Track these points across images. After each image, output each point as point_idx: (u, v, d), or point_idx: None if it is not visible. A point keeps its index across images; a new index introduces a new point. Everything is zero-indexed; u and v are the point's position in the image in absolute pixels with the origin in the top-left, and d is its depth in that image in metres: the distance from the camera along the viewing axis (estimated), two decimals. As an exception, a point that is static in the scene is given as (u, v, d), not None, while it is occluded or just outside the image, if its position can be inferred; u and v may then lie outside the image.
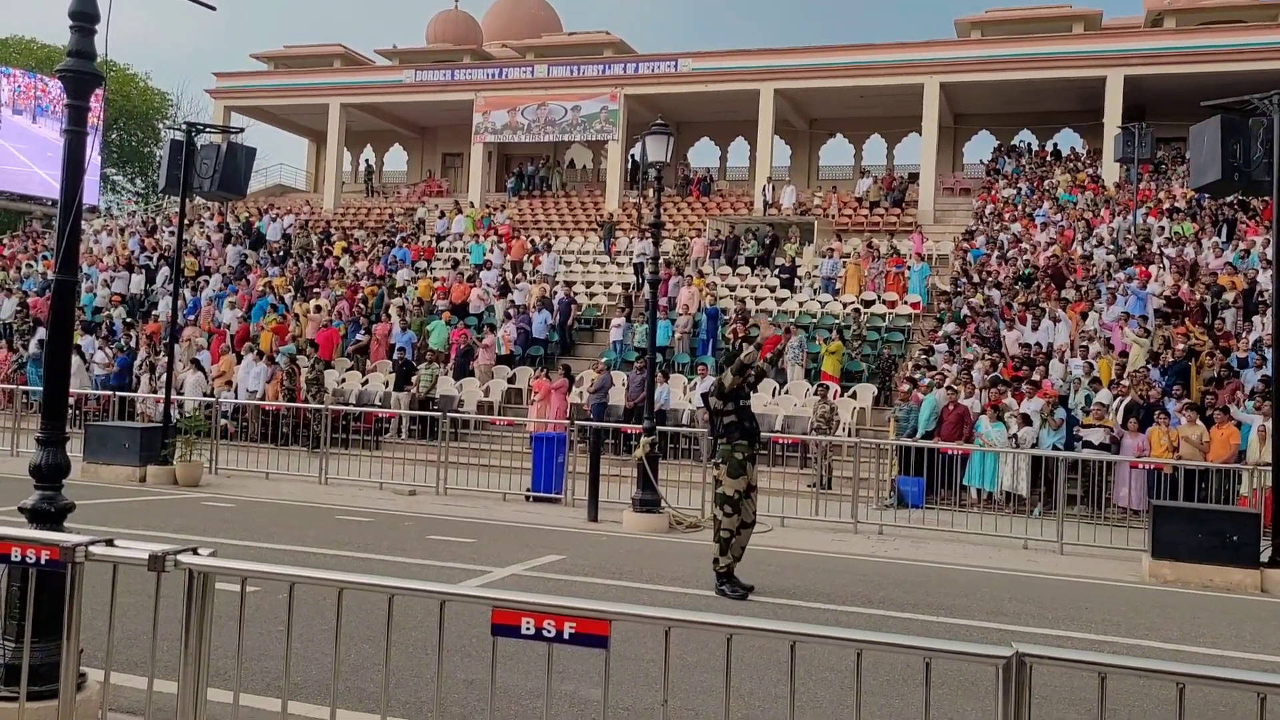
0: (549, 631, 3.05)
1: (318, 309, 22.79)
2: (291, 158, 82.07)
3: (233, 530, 10.38)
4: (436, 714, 3.32)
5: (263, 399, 18.62)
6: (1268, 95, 10.40)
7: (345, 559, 8.97)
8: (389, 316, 22.43)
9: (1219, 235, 22.41)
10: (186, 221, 28.67)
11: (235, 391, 19.36)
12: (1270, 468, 10.58)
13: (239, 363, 20.11)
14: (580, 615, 3.02)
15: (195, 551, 3.60)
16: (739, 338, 19.45)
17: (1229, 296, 18.39)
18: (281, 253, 28.90)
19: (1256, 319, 17.21)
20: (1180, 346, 16.42)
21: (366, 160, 41.97)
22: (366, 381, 20.60)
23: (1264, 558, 9.84)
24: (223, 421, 16.59)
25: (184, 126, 14.68)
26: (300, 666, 5.60)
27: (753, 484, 8.41)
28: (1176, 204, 25.18)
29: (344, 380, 20.56)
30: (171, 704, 3.68)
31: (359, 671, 5.60)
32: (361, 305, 23.65)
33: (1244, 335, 17.07)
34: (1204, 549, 9.85)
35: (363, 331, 22.31)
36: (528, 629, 3.08)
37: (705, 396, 8.78)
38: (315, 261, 27.69)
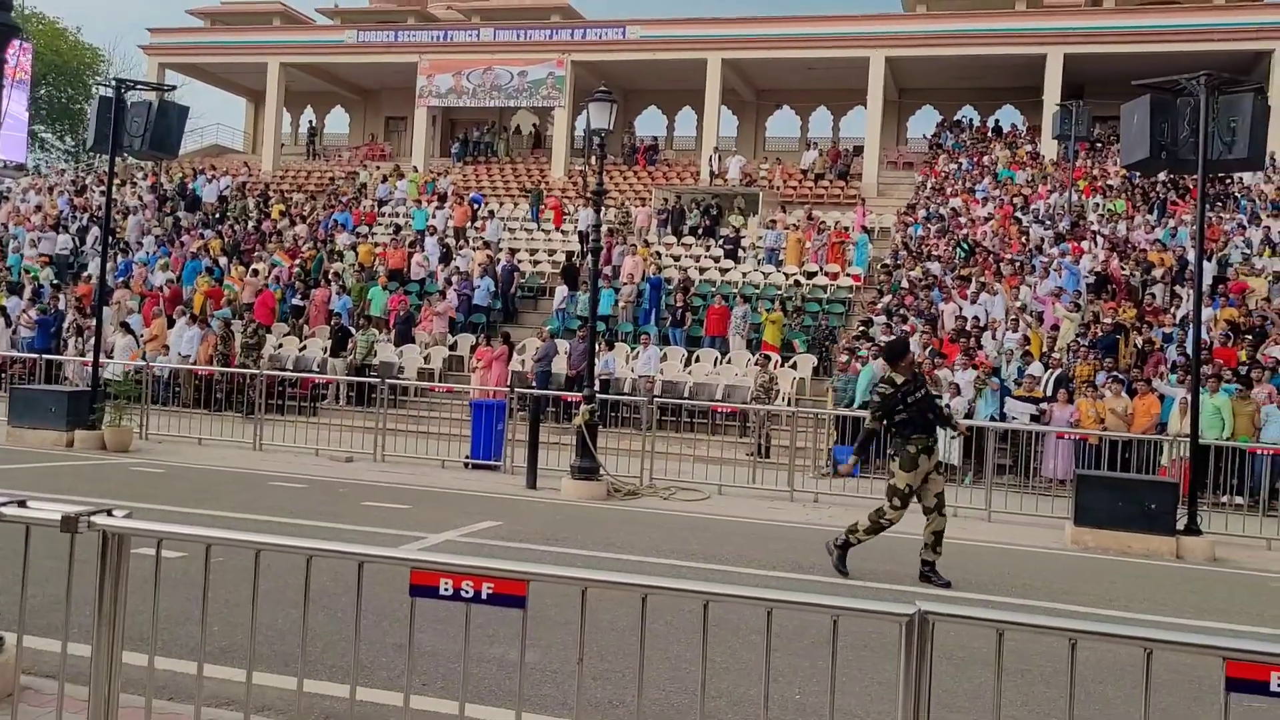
0: (467, 592, 3.07)
1: (254, 273, 22.40)
2: (229, 118, 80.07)
3: (161, 495, 10.23)
4: (354, 675, 3.33)
5: (195, 364, 18.31)
6: (1195, 76, 10.63)
7: (276, 524, 8.89)
8: (328, 281, 22.13)
9: (1150, 213, 22.93)
10: (119, 182, 27.86)
11: (169, 355, 19.00)
12: (1188, 439, 10.94)
13: (170, 327, 19.73)
14: (498, 576, 3.05)
15: (110, 513, 3.55)
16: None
17: (1157, 273, 18.86)
18: (218, 215, 28.31)
19: (1183, 294, 17.68)
20: (1108, 321, 16.82)
21: (309, 121, 41.16)
22: (304, 347, 20.35)
23: (1180, 525, 10.19)
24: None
25: (113, 83, 14.30)
26: (226, 632, 5.57)
27: (929, 472, 8.06)
28: (1110, 181, 25.68)
29: (281, 345, 20.29)
30: (89, 668, 3.64)
31: (285, 636, 5.57)
32: (300, 269, 23.29)
33: (1171, 310, 17.54)
34: (1124, 517, 10.17)
35: (300, 296, 21.99)
36: (446, 590, 3.10)
37: (873, 390, 8.54)
38: (252, 224, 27.17)
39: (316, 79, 37.76)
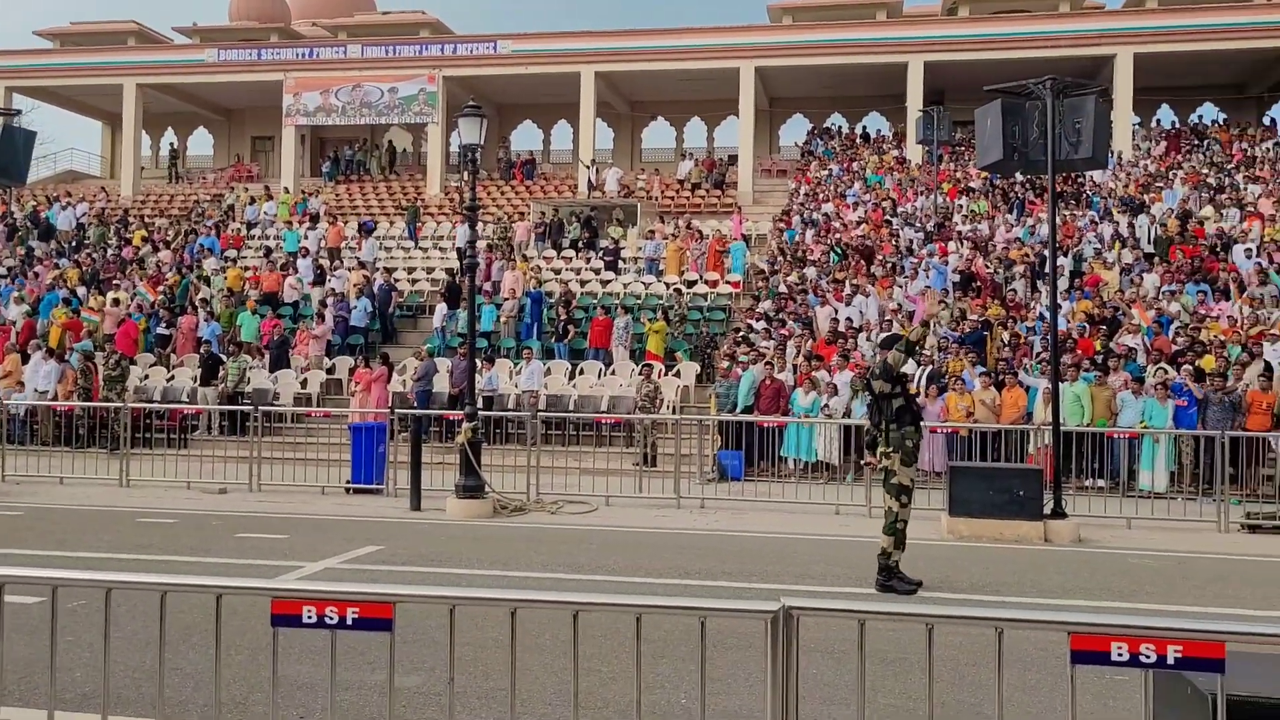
0: (331, 619, 2.99)
1: (115, 302, 21.46)
2: (85, 142, 76.68)
3: (19, 539, 9.69)
4: (217, 712, 3.21)
5: (54, 400, 17.42)
6: (1041, 81, 11.17)
7: (142, 563, 8.52)
8: (195, 308, 21.35)
9: (1010, 213, 23.94)
10: (-38, 211, 26.29)
11: (24, 392, 18.02)
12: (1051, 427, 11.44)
13: (25, 362, 18.72)
14: (362, 600, 2.97)
15: (-56, 560, 3.35)
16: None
17: (1018, 269, 19.70)
18: (74, 243, 27.03)
19: (1043, 289, 18.51)
20: (975, 317, 17.48)
21: (171, 144, 39.69)
22: (172, 377, 19.56)
23: (1046, 510, 10.63)
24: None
25: (-49, 107, 13.56)
26: (90, 676, 5.33)
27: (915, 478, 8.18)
28: (972, 184, 26.73)
29: (147, 376, 19.46)
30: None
31: (154, 677, 5.31)
32: (165, 296, 22.41)
33: (1033, 305, 18.34)
34: (995, 505, 10.56)
35: (166, 325, 21.15)
36: (309, 618, 3.01)
37: (867, 380, 8.23)
38: (112, 252, 26.04)
39: (176, 100, 36.45)
